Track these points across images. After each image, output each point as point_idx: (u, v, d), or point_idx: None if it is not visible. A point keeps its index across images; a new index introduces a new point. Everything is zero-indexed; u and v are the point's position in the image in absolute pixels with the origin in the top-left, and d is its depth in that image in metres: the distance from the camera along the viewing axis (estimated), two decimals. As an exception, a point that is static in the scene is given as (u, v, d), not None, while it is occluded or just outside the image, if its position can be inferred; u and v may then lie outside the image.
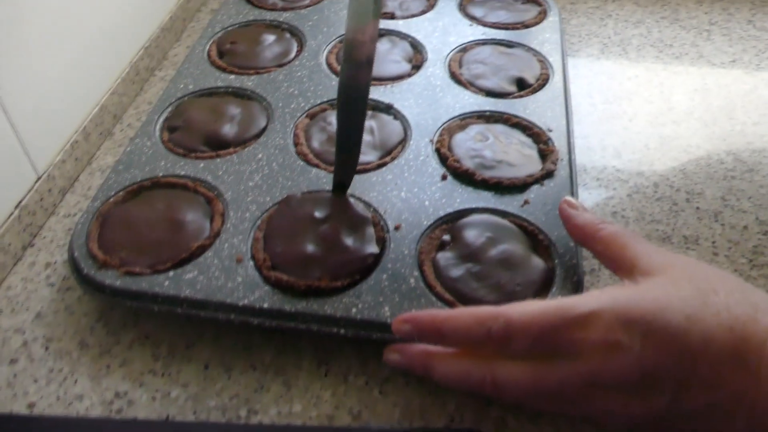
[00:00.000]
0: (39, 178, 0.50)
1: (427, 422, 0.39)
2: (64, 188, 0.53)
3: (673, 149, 0.55)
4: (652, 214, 0.50)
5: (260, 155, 0.51)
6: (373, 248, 0.44)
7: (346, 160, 0.47)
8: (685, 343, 0.31)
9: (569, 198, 0.43)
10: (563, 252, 0.44)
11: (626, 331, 0.32)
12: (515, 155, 0.50)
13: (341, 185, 0.48)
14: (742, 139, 0.56)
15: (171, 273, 0.43)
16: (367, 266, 0.44)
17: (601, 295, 0.33)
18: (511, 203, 0.47)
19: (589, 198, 0.51)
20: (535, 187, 0.48)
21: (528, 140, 0.52)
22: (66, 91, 0.53)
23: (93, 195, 0.53)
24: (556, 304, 0.34)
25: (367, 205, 0.47)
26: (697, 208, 0.50)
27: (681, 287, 0.33)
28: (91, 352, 0.43)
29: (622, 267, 0.37)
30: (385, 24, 0.64)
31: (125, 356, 0.43)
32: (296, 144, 0.52)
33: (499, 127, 0.53)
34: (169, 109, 0.56)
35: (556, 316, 0.33)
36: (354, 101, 0.45)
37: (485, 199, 0.48)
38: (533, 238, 0.45)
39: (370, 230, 0.46)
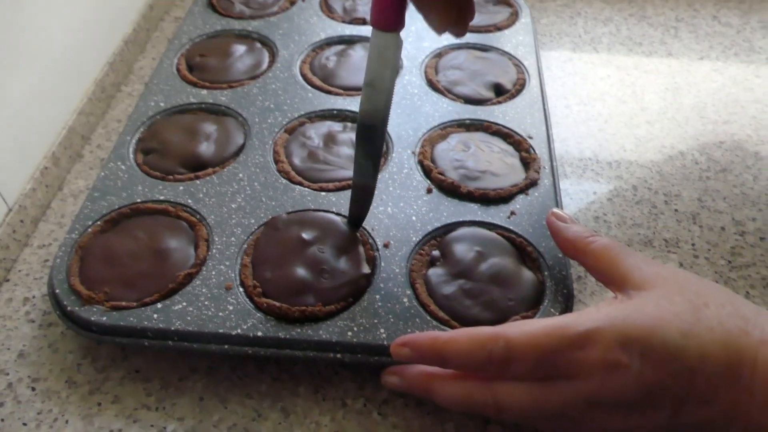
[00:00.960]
0: (10, 210, 0.48)
1: (430, 450, 0.39)
2: (36, 217, 0.51)
3: (649, 150, 0.56)
4: (632, 218, 0.51)
5: (241, 175, 0.50)
6: (365, 269, 0.44)
7: (362, 197, 0.46)
8: (683, 361, 0.32)
9: (557, 210, 0.44)
10: (552, 264, 0.44)
11: (625, 351, 0.32)
12: (498, 164, 0.50)
13: (357, 220, 0.47)
14: (714, 139, 0.57)
15: (159, 305, 0.42)
16: (360, 287, 0.43)
17: (598, 314, 0.34)
18: (497, 215, 0.47)
19: (571, 203, 0.52)
20: (520, 197, 0.48)
21: (509, 148, 0.52)
22: (30, 116, 0.51)
23: (67, 224, 0.52)
24: (555, 324, 0.34)
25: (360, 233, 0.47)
26: (676, 210, 0.51)
27: (673, 301, 0.34)
28: (81, 390, 0.42)
29: (613, 281, 0.38)
30: (357, 30, 0.63)
31: (116, 393, 0.42)
32: (276, 161, 0.51)
33: (480, 135, 0.53)
34: (142, 129, 0.54)
35: (554, 337, 0.33)
36: (372, 137, 0.43)
37: (472, 211, 0.48)
38: (521, 250, 0.46)
39: (360, 250, 0.45)
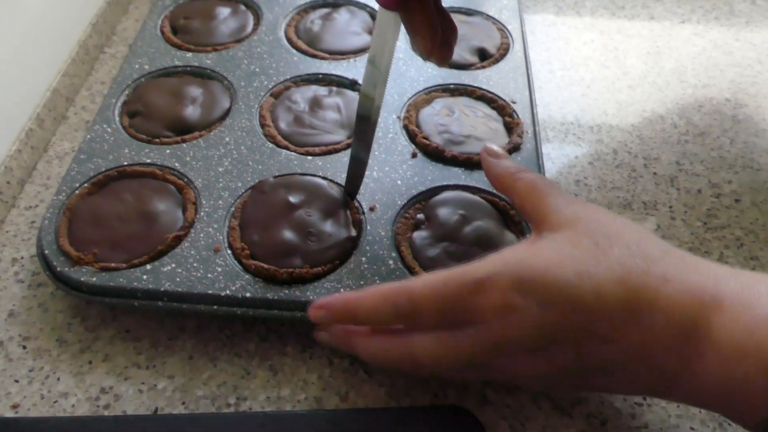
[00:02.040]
0: (-4, 172, 0.49)
1: (413, 400, 0.41)
2: (23, 179, 0.51)
3: (630, 115, 0.57)
4: (612, 181, 0.52)
5: (227, 138, 0.51)
6: (351, 232, 0.45)
7: (357, 173, 0.47)
8: (578, 300, 0.32)
9: (489, 146, 0.43)
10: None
11: (519, 294, 0.33)
12: (482, 129, 0.51)
13: (354, 191, 0.48)
14: (693, 102, 0.58)
15: (148, 266, 0.43)
16: (346, 250, 0.44)
17: (497, 259, 0.35)
18: (481, 179, 0.48)
19: (552, 167, 0.53)
20: (504, 162, 0.49)
21: (493, 113, 0.53)
22: (14, 78, 0.51)
23: (53, 185, 0.52)
24: (454, 272, 0.35)
25: (341, 186, 0.48)
26: (655, 173, 0.53)
27: (577, 244, 0.34)
28: (71, 349, 0.43)
29: (534, 220, 0.38)
30: (342, -8, 0.63)
31: (107, 351, 0.43)
32: (263, 125, 0.51)
33: (464, 100, 0.54)
34: (127, 92, 0.54)
35: (453, 285, 0.34)
36: (367, 120, 0.44)
37: (456, 175, 0.48)
38: (504, 213, 0.47)
39: (347, 213, 0.46)
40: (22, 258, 0.48)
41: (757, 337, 0.30)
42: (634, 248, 0.34)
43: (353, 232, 0.45)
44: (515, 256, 0.34)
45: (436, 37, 0.39)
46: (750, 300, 0.31)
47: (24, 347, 0.43)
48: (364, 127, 0.44)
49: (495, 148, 0.43)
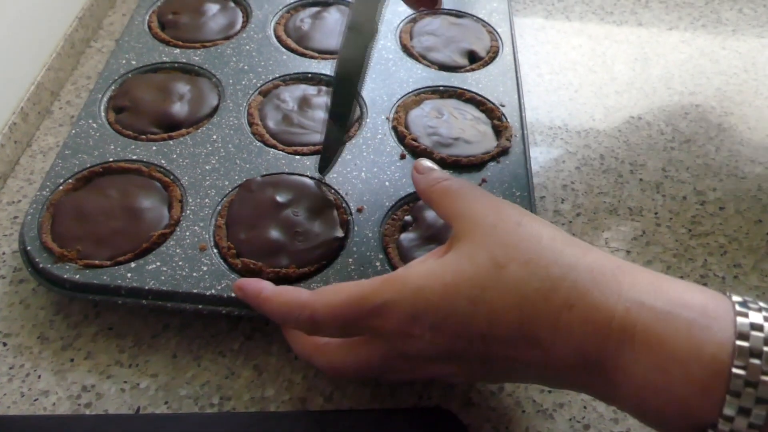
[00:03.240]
0: (-21, 167, 0.48)
1: (397, 402, 0.41)
2: (5, 174, 0.51)
3: (617, 120, 0.57)
4: (599, 186, 0.52)
5: (215, 136, 0.50)
6: (338, 232, 0.45)
7: (334, 147, 0.47)
8: (472, 328, 0.32)
9: (419, 162, 0.42)
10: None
11: (415, 324, 0.33)
12: (471, 132, 0.51)
13: (326, 165, 0.48)
14: (679, 110, 0.58)
15: (133, 264, 0.42)
16: (333, 251, 0.44)
17: (397, 284, 0.34)
18: (469, 181, 0.48)
19: (540, 171, 0.53)
20: (492, 165, 0.49)
21: (482, 115, 0.53)
22: (-1, 71, 0.51)
23: (37, 180, 0.51)
24: (355, 295, 0.35)
25: (328, 187, 0.47)
26: (641, 179, 0.53)
27: (475, 261, 0.33)
28: (53, 346, 0.42)
29: (449, 224, 0.38)
30: (333, -8, 0.63)
31: (89, 349, 0.42)
32: (251, 124, 0.51)
33: (453, 102, 0.54)
34: (113, 87, 0.53)
35: (353, 309, 0.35)
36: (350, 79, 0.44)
37: (444, 177, 0.48)
38: (492, 216, 0.47)
39: (334, 213, 0.46)
40: (3, 254, 0.47)
41: (669, 377, 0.28)
42: (533, 266, 0.32)
43: (340, 233, 0.45)
44: (415, 282, 0.34)
45: None
46: (664, 334, 0.29)
47: (4, 344, 0.42)
48: (346, 87, 0.44)
49: (425, 163, 0.41)
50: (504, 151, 0.50)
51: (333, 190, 0.47)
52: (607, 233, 0.49)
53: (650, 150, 0.55)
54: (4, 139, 0.50)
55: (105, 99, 0.53)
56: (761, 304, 0.29)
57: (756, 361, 0.27)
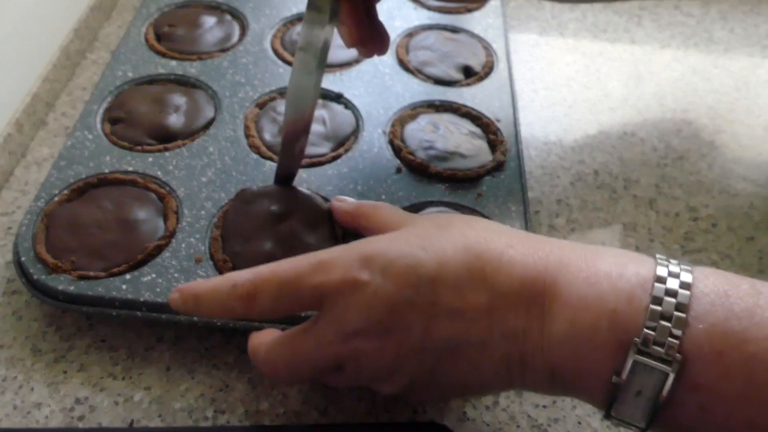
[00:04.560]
0: (-27, 177, 0.48)
1: (392, 416, 0.40)
2: (-1, 184, 0.51)
3: (611, 136, 0.58)
4: (594, 201, 0.53)
5: (211, 148, 0.50)
6: (334, 245, 0.45)
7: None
8: (422, 270, 0.33)
9: (340, 196, 0.46)
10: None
11: (365, 268, 0.33)
12: (466, 146, 0.51)
13: (288, 175, 0.48)
14: (672, 127, 0.59)
15: (128, 276, 0.42)
16: None
17: (345, 246, 0.35)
18: (465, 196, 0.48)
19: (535, 186, 0.54)
20: (487, 179, 0.50)
21: (477, 130, 0.53)
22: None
23: (31, 191, 0.51)
24: (301, 256, 0.35)
25: (325, 199, 0.47)
26: (634, 195, 0.53)
27: (419, 225, 0.36)
28: (46, 358, 0.42)
29: (380, 232, 0.39)
30: (329, 7, 0.63)
31: (82, 361, 0.42)
32: (248, 136, 0.51)
33: (449, 117, 0.54)
34: (109, 98, 0.53)
35: (297, 263, 0.34)
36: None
37: (440, 191, 0.49)
38: (487, 230, 0.47)
39: (330, 226, 0.46)
40: (-4, 264, 0.47)
41: (599, 288, 0.31)
42: (473, 223, 0.36)
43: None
44: (364, 240, 0.36)
45: (360, 31, 0.42)
46: (593, 259, 0.32)
47: (-4, 356, 0.42)
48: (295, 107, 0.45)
49: (345, 198, 0.45)
50: (499, 165, 0.51)
51: (329, 202, 0.47)
52: (601, 248, 0.50)
53: (644, 166, 0.55)
54: (-1, 149, 0.50)
55: (101, 110, 0.52)
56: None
57: (674, 279, 0.30)
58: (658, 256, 0.32)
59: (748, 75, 0.64)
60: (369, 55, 0.46)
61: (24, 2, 0.53)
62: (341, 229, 0.46)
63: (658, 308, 0.30)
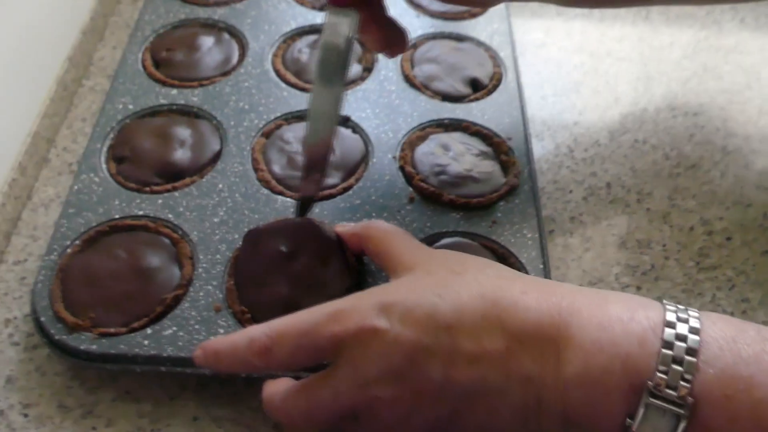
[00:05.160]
0: (-18, 231, 0.47)
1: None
2: (8, 232, 0.50)
3: (623, 146, 0.57)
4: (607, 218, 0.52)
5: (220, 185, 0.49)
6: (347, 281, 0.44)
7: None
8: (439, 317, 0.33)
9: (342, 224, 0.45)
10: (534, 275, 0.46)
11: (383, 315, 0.33)
12: (478, 169, 0.51)
13: (308, 200, 0.47)
14: (684, 132, 0.58)
15: (149, 330, 0.42)
16: None
17: (360, 294, 0.36)
18: (479, 224, 0.48)
19: (548, 203, 0.53)
20: (501, 205, 0.49)
21: (489, 150, 0.53)
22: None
23: (40, 236, 0.50)
24: (317, 306, 0.35)
25: (331, 226, 0.46)
26: (648, 209, 0.53)
27: (434, 272, 0.36)
28: (73, 414, 0.42)
29: (389, 265, 0.40)
30: (329, 19, 0.61)
31: (109, 416, 0.42)
32: (256, 169, 0.50)
33: (459, 136, 0.53)
34: (111, 135, 0.52)
35: (313, 314, 0.35)
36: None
37: (454, 221, 0.48)
38: (503, 261, 0.47)
39: (342, 258, 0.44)
40: (15, 318, 0.46)
41: (611, 332, 0.32)
42: (489, 271, 0.36)
43: (349, 281, 0.44)
44: (378, 288, 0.36)
45: (384, 34, 0.45)
46: (604, 304, 0.33)
47: (25, 415, 0.42)
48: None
49: (345, 224, 0.45)
50: (512, 189, 0.50)
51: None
52: (616, 268, 0.50)
53: (656, 177, 0.55)
54: (5, 197, 0.49)
55: (104, 149, 0.51)
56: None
57: (684, 324, 0.31)
58: (665, 301, 0.33)
59: (761, 70, 0.63)
60: (394, 54, 0.48)
61: (16, 37, 0.52)
62: (353, 257, 0.45)
63: (670, 352, 0.30)
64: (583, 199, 0.54)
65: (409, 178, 0.51)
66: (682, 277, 0.49)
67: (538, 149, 0.57)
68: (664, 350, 0.30)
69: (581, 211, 0.53)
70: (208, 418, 0.42)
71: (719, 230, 0.52)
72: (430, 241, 0.47)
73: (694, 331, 0.31)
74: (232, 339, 0.36)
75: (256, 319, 0.43)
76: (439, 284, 0.35)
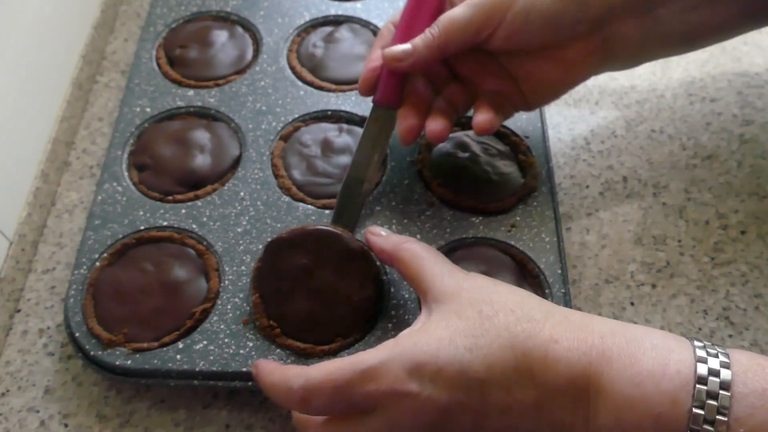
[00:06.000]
0: (11, 244, 0.48)
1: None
2: (35, 240, 0.51)
3: (639, 135, 0.57)
4: (624, 213, 0.53)
5: (242, 193, 0.50)
6: (370, 290, 0.45)
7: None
8: (472, 373, 0.34)
9: (373, 227, 0.46)
10: (552, 281, 0.47)
11: (414, 379, 0.34)
12: (496, 170, 0.51)
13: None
14: (701, 120, 0.58)
15: (180, 344, 0.44)
16: (370, 311, 0.45)
17: (391, 345, 0.36)
18: (498, 228, 0.49)
19: (565, 199, 0.53)
20: (520, 208, 0.50)
21: (506, 149, 0.53)
22: (13, 140, 0.49)
23: (66, 243, 0.52)
24: (350, 359, 0.36)
25: (361, 243, 0.47)
26: (664, 204, 0.53)
27: (463, 315, 0.36)
28: (111, 424, 0.45)
29: (420, 289, 0.40)
30: (342, 8, 0.60)
31: (146, 425, 0.44)
32: (277, 176, 0.51)
33: (475, 134, 0.53)
34: (131, 140, 0.52)
35: (347, 371, 0.35)
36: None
37: (473, 226, 0.49)
38: (522, 266, 0.48)
39: (365, 264, 0.45)
40: (48, 328, 0.48)
41: (643, 389, 0.32)
42: (518, 312, 0.36)
43: (372, 291, 0.45)
44: (408, 340, 0.36)
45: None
46: (636, 353, 0.33)
47: (66, 425, 0.45)
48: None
49: (377, 228, 0.45)
50: (531, 191, 0.50)
51: (367, 246, 0.46)
52: (632, 265, 0.51)
53: (673, 169, 0.55)
54: (30, 207, 0.50)
55: (125, 155, 0.52)
56: (714, 345, 0.34)
57: (715, 378, 0.32)
58: (696, 343, 0.33)
59: (779, 50, 0.62)
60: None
61: (30, 44, 0.52)
62: (376, 266, 0.46)
63: (701, 412, 0.31)
64: (599, 194, 0.54)
65: (427, 183, 0.51)
66: (696, 273, 0.50)
67: (555, 142, 0.56)
68: (695, 410, 0.31)
69: (598, 207, 0.53)
70: (240, 426, 0.44)
71: (734, 223, 0.52)
72: (451, 248, 0.48)
73: (725, 386, 0.31)
74: (272, 381, 0.38)
75: (285, 333, 0.44)
76: (468, 335, 0.35)
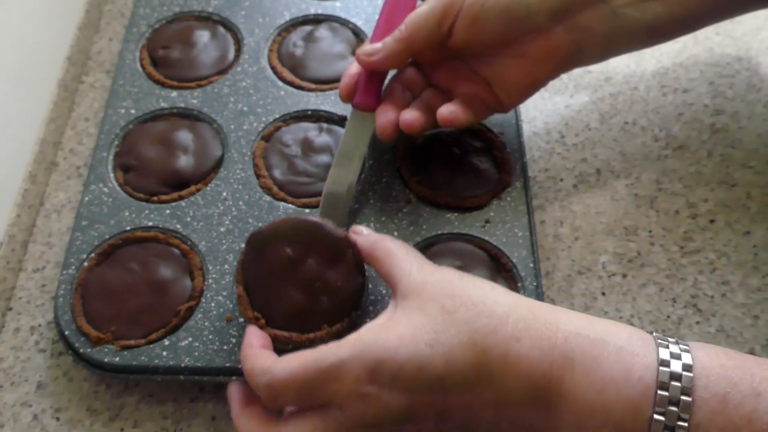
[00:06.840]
0: (2, 245, 0.49)
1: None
2: (25, 240, 0.52)
3: (613, 127, 0.58)
4: (596, 205, 0.54)
5: (224, 193, 0.51)
6: (357, 278, 0.45)
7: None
8: (430, 370, 0.35)
9: (355, 226, 0.46)
10: (525, 274, 0.48)
11: (373, 381, 0.35)
12: (471, 167, 0.53)
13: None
14: (673, 111, 0.59)
15: (166, 341, 0.45)
16: (355, 300, 0.45)
17: (353, 341, 0.37)
18: (473, 224, 0.50)
19: (539, 192, 0.55)
20: (494, 204, 0.51)
21: (481, 145, 0.54)
22: (1, 141, 0.51)
23: (55, 243, 0.53)
24: (313, 357, 0.37)
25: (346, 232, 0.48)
26: (636, 195, 0.55)
27: (426, 310, 0.37)
28: (102, 417, 0.46)
29: (390, 284, 0.41)
30: (322, 7, 0.61)
31: (135, 418, 0.46)
32: (258, 176, 0.52)
33: (452, 132, 0.54)
34: (116, 142, 0.54)
35: (310, 370, 0.36)
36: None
37: (449, 222, 0.50)
38: (496, 261, 0.49)
39: (349, 254, 0.45)
40: (39, 326, 0.50)
41: (604, 396, 0.33)
42: (480, 306, 0.36)
43: (359, 279, 0.45)
44: (370, 337, 0.36)
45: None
46: (599, 358, 0.34)
47: (57, 419, 0.46)
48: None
49: (359, 228, 0.46)
50: (505, 187, 0.52)
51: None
52: (604, 256, 0.52)
53: (645, 160, 0.56)
54: (19, 209, 0.51)
55: (110, 157, 0.53)
56: (677, 340, 0.34)
57: (676, 384, 0.32)
58: (659, 342, 0.34)
59: (750, 41, 0.63)
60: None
61: (16, 46, 0.53)
62: (359, 255, 0.46)
63: (662, 419, 0.32)
64: (573, 187, 0.55)
65: (405, 180, 0.52)
66: (666, 262, 0.52)
67: (530, 136, 0.58)
68: (656, 416, 0.32)
69: (571, 199, 0.55)
70: (226, 417, 0.46)
71: (704, 212, 0.54)
72: (428, 244, 0.50)
73: (686, 391, 0.32)
74: (251, 365, 0.38)
75: (270, 324, 0.45)
76: (429, 330, 0.35)
